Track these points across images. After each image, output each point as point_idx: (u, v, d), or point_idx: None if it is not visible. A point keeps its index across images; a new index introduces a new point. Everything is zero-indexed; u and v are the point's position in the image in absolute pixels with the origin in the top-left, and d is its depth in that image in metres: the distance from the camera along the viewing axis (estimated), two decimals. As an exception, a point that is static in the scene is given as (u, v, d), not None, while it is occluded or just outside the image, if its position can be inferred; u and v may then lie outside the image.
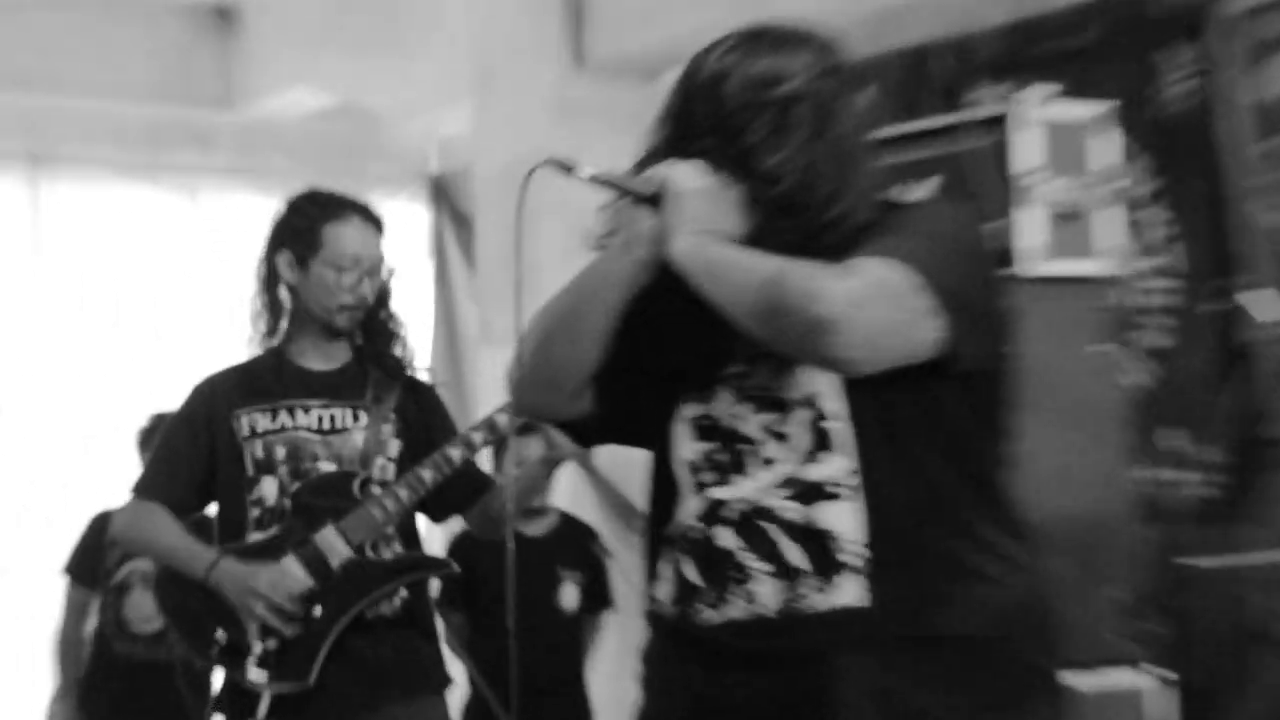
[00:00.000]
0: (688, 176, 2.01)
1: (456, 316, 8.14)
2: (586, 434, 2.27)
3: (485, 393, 6.26)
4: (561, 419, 2.23)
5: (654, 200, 2.02)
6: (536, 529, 5.33)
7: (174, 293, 7.65)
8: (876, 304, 1.87)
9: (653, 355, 2.16)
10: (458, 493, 3.60)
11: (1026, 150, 3.35)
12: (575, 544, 5.36)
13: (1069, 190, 3.34)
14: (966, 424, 2.05)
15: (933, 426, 2.03)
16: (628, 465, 5.86)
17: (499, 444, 4.32)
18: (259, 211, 3.69)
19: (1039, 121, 3.35)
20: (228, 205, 7.86)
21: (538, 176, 2.03)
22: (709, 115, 2.04)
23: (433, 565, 3.68)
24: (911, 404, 2.01)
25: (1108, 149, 3.45)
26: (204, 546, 3.48)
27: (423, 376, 3.71)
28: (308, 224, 3.54)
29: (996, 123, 3.40)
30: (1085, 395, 3.42)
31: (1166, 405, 4.66)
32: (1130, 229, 4.56)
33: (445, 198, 8.25)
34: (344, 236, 3.54)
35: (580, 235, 2.16)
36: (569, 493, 5.80)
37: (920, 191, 3.45)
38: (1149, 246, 4.69)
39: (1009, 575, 2.06)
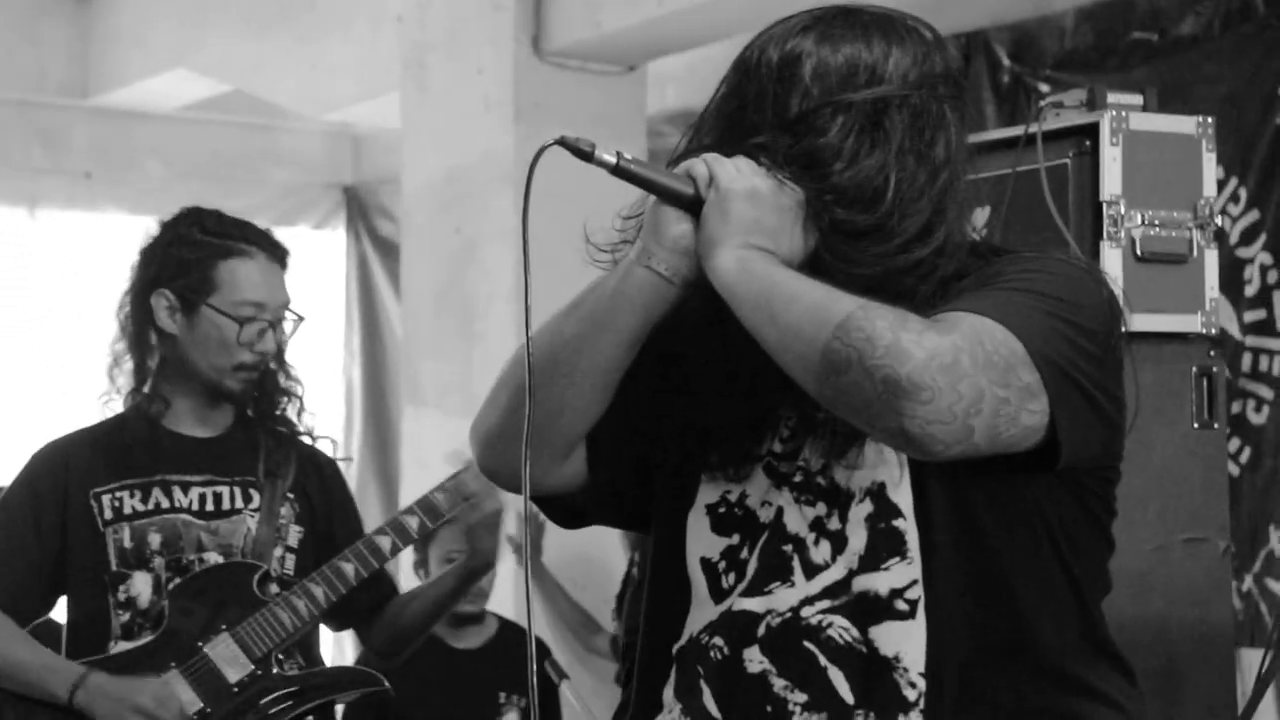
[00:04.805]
0: (739, 173, 1.99)
1: (386, 368, 8.13)
2: (571, 511, 2.25)
3: (409, 467, 6.28)
4: (540, 489, 2.17)
5: (693, 202, 2.01)
6: (470, 640, 5.34)
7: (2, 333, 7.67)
8: (975, 373, 1.86)
9: (672, 410, 2.15)
10: (362, 597, 3.62)
11: (1108, 175, 3.39)
12: (519, 662, 5.37)
13: (1157, 226, 3.39)
14: (1063, 533, 2.06)
15: (1019, 533, 2.04)
16: (582, 564, 5.87)
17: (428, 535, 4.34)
18: (116, 232, 3.67)
19: (1121, 137, 3.38)
20: (76, 223, 7.86)
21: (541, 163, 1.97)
22: (774, 106, 2.02)
23: (357, 683, 3.70)
24: (995, 502, 2.02)
25: (1208, 175, 3.50)
26: (63, 660, 3.46)
27: (324, 447, 3.74)
28: (197, 258, 3.53)
29: (1071, 136, 3.44)
30: (1179, 484, 3.46)
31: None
32: (1231, 274, 4.63)
33: (363, 216, 8.28)
34: (245, 277, 3.53)
35: (581, 247, 2.12)
36: (512, 596, 5.82)
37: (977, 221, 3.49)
38: (1256, 297, 4.75)
39: None
